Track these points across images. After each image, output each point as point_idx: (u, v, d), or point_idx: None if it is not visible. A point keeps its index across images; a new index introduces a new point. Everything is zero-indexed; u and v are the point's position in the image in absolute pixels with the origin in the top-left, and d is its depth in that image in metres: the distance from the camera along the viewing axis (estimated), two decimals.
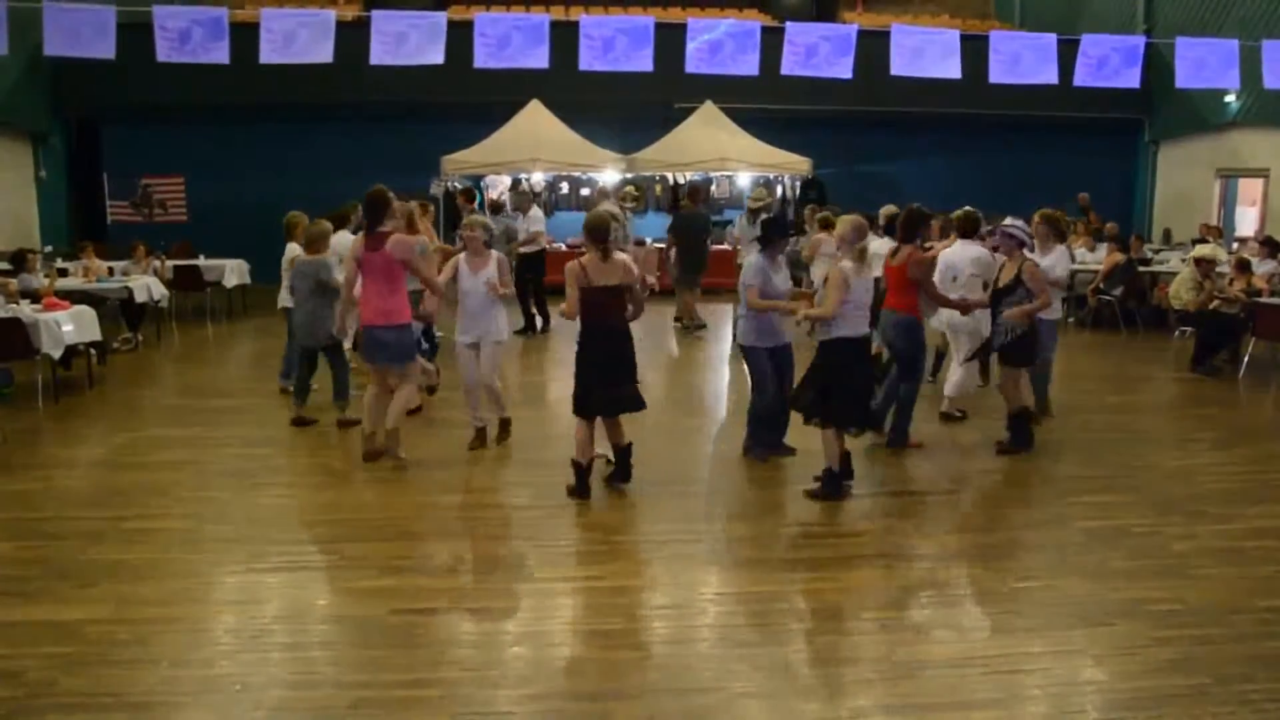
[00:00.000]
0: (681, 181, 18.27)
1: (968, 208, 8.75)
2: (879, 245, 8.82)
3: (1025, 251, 7.47)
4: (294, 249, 8.98)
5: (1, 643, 4.39)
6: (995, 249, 8.04)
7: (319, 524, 6.10)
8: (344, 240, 8.85)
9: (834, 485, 6.42)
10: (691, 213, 14.09)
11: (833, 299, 6.30)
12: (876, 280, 7.20)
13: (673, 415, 8.96)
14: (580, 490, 6.41)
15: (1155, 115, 20.31)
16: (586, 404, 6.41)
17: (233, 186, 18.89)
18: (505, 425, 7.78)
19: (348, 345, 8.62)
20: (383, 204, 7.04)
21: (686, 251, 13.74)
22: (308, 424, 8.27)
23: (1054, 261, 8.16)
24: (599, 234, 6.32)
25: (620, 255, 6.47)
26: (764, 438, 7.32)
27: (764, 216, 12.17)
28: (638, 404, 6.51)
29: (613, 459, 7.12)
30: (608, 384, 6.34)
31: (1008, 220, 7.64)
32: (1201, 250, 11.79)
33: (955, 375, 8.53)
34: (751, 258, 7.09)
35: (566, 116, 17.64)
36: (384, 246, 6.88)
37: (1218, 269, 12.01)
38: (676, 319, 13.96)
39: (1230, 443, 8.09)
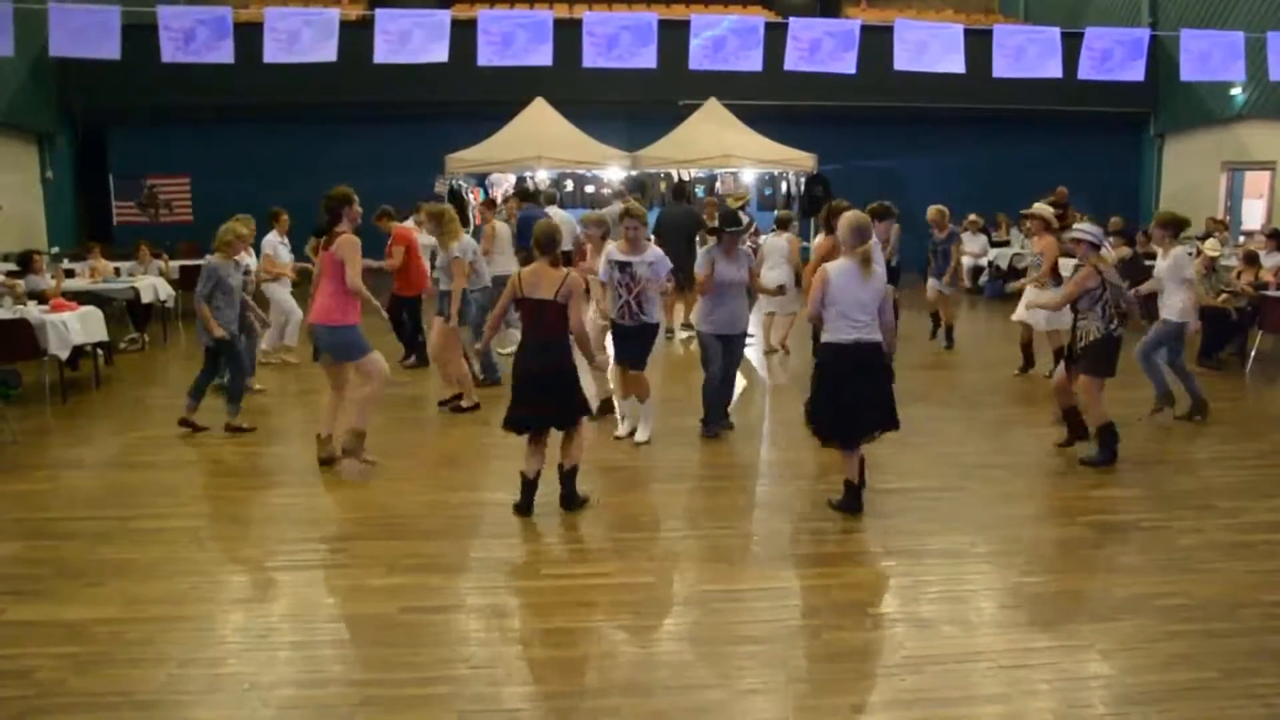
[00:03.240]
0: (686, 178, 18.26)
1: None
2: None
3: (1100, 251, 7.30)
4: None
5: (11, 642, 4.41)
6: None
7: (327, 522, 6.11)
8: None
9: (848, 499, 6.14)
10: (676, 211, 13.97)
11: (808, 298, 6.25)
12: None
13: (676, 414, 8.95)
14: (522, 504, 6.08)
15: (1160, 108, 20.26)
16: (510, 420, 6.08)
17: (238, 186, 18.82)
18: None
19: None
20: (340, 203, 6.92)
21: (668, 251, 13.56)
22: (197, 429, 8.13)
23: (1165, 263, 8.24)
24: (545, 244, 6.07)
25: (566, 269, 6.17)
26: (715, 415, 7.72)
27: (743, 215, 12.21)
28: (559, 423, 6.10)
29: (637, 440, 7.37)
30: (530, 400, 5.98)
31: (1079, 224, 7.61)
32: (1212, 248, 11.76)
33: None
34: (703, 249, 7.25)
35: (570, 114, 17.62)
36: (333, 246, 6.83)
37: (1222, 262, 11.98)
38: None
39: (1237, 436, 8.07)
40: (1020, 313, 9.75)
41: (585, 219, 7.79)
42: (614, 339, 7.57)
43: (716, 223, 14.31)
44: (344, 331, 6.89)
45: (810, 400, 6.20)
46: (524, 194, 13.35)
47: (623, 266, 7.22)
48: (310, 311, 7.06)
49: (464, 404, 8.68)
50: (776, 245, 11.28)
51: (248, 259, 8.88)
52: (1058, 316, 8.91)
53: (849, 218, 6.12)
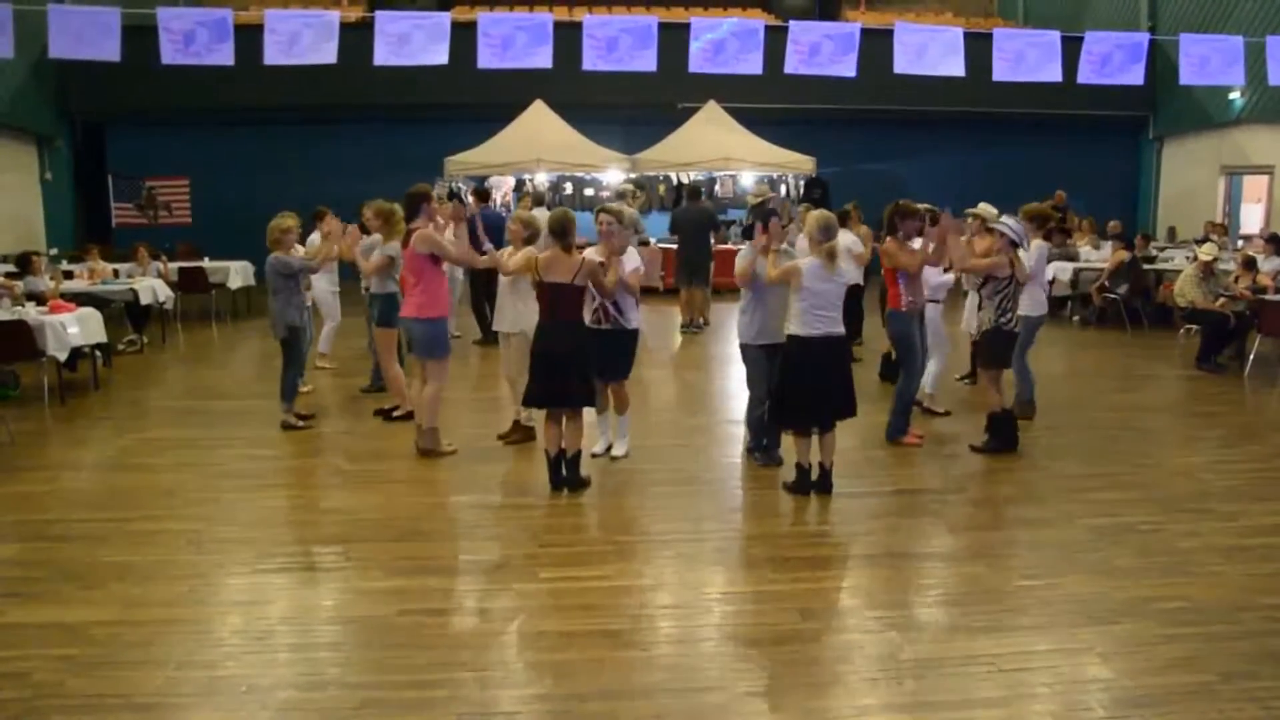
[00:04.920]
0: (685, 181, 18.31)
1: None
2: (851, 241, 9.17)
3: (1019, 250, 7.44)
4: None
5: (8, 644, 4.40)
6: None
7: (325, 525, 6.11)
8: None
9: (799, 482, 6.47)
10: (691, 210, 14.05)
11: (772, 273, 6.44)
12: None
13: (677, 414, 8.97)
14: (552, 480, 6.53)
15: (1159, 112, 20.27)
16: (533, 398, 6.52)
17: (237, 188, 18.92)
18: (515, 426, 7.82)
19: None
20: (417, 200, 7.46)
21: (684, 249, 13.73)
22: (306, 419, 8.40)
23: (1030, 258, 8.09)
24: (558, 231, 6.45)
25: (581, 255, 6.49)
26: (762, 441, 7.23)
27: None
28: (579, 402, 6.49)
29: (614, 455, 7.26)
30: (550, 378, 6.37)
31: (1002, 218, 7.66)
32: (1208, 251, 11.80)
33: (929, 368, 8.56)
34: (744, 246, 7.11)
35: (570, 117, 17.65)
36: (410, 242, 7.27)
37: (1220, 266, 12.00)
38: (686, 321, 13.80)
39: (1236, 440, 8.08)
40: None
41: (513, 217, 7.63)
42: None
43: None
44: (437, 324, 7.33)
45: (778, 391, 6.47)
46: (482, 195, 13.47)
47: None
48: (403, 307, 7.47)
49: (396, 413, 8.55)
50: (802, 246, 11.20)
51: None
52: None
53: (816, 216, 6.54)
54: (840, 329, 6.41)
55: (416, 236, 7.24)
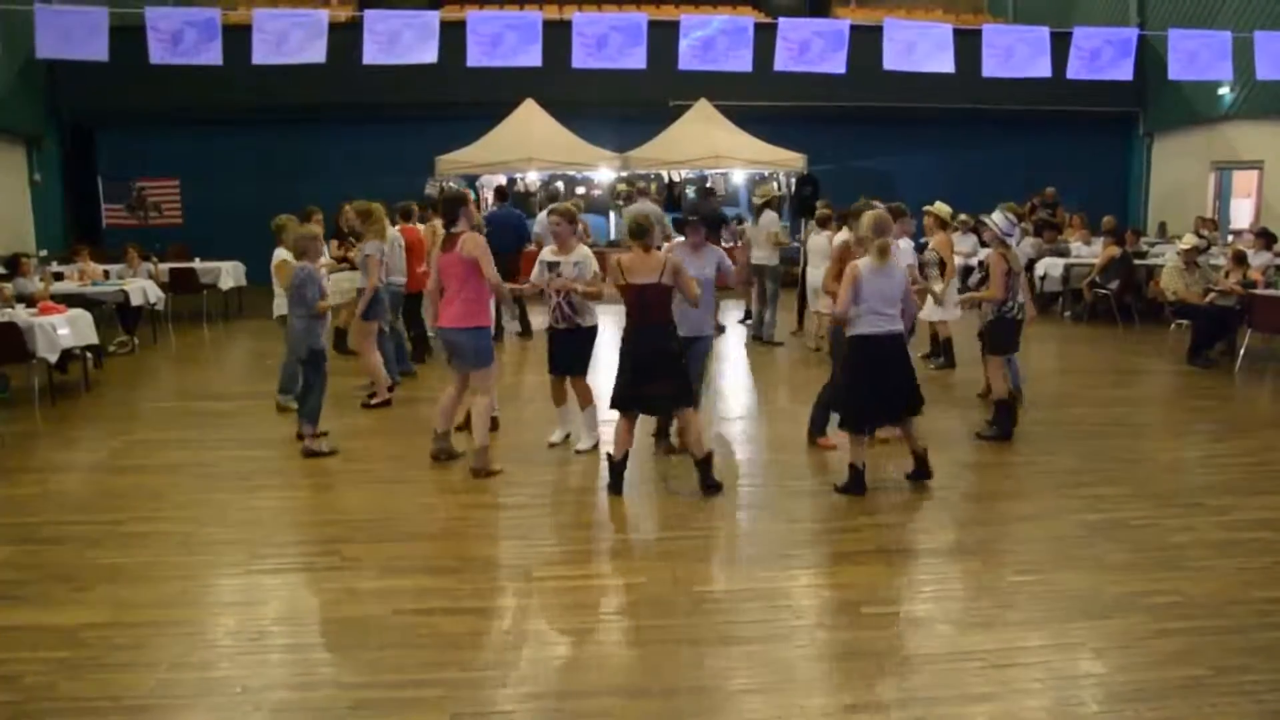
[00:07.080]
0: (677, 179, 18.29)
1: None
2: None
3: (1009, 243, 7.64)
4: (281, 253, 8.71)
5: None
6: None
7: (317, 525, 6.09)
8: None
9: (853, 482, 6.40)
10: (702, 206, 14.05)
11: (840, 296, 6.38)
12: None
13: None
14: (612, 485, 6.43)
15: (1149, 108, 20.33)
16: (619, 400, 6.45)
17: (227, 189, 18.86)
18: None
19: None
20: (456, 204, 7.06)
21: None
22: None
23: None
24: (638, 232, 6.39)
25: (664, 254, 6.49)
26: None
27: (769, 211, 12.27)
28: (673, 403, 6.46)
29: (579, 449, 7.39)
30: (640, 382, 6.33)
31: (993, 214, 7.74)
32: (1187, 241, 11.89)
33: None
34: (668, 244, 7.17)
35: (560, 115, 17.62)
36: (456, 247, 6.80)
37: (1210, 261, 12.03)
38: None
39: (1227, 434, 8.10)
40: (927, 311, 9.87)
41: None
42: (550, 346, 7.29)
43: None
44: (484, 334, 6.98)
45: (843, 392, 6.54)
46: (500, 193, 13.48)
47: (551, 266, 7.05)
48: (440, 315, 6.98)
49: (374, 400, 8.84)
50: (818, 244, 11.14)
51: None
52: (946, 307, 9.39)
53: (870, 215, 6.52)
54: (899, 326, 6.37)
55: (467, 240, 6.79)
